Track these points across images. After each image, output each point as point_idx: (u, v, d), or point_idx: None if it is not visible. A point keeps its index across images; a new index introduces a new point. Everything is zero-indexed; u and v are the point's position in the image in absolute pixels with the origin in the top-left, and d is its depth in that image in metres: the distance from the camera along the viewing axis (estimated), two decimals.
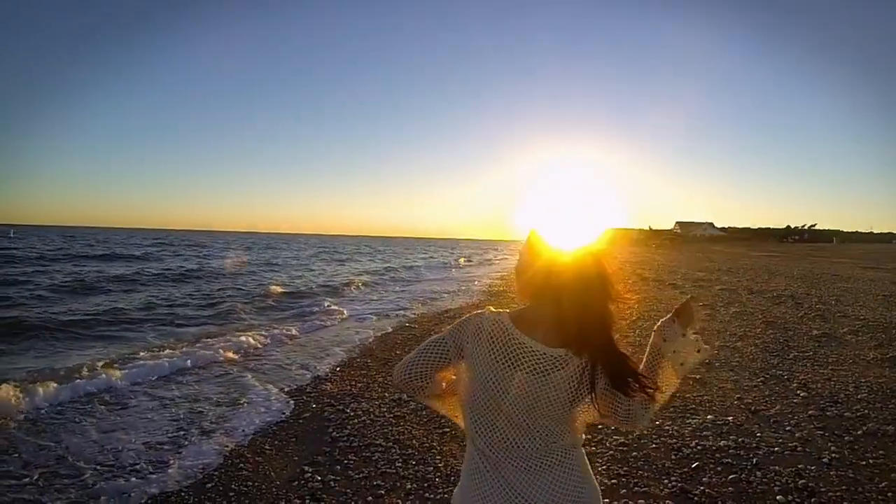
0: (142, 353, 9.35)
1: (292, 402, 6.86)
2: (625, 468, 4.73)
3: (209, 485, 4.70)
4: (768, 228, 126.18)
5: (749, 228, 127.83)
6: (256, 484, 4.68)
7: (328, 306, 16.13)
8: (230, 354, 9.45)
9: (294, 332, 11.91)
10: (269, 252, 58.95)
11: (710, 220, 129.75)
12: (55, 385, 7.13)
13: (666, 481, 4.51)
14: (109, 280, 22.09)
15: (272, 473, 4.88)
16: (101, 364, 8.43)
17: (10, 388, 6.76)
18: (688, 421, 5.82)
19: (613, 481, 4.51)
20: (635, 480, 4.51)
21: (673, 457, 4.96)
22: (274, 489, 4.58)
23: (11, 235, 77.17)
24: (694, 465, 4.77)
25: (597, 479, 4.34)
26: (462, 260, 51.14)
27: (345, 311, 15.19)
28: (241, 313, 14.84)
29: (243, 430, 5.94)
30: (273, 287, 20.76)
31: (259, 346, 10.32)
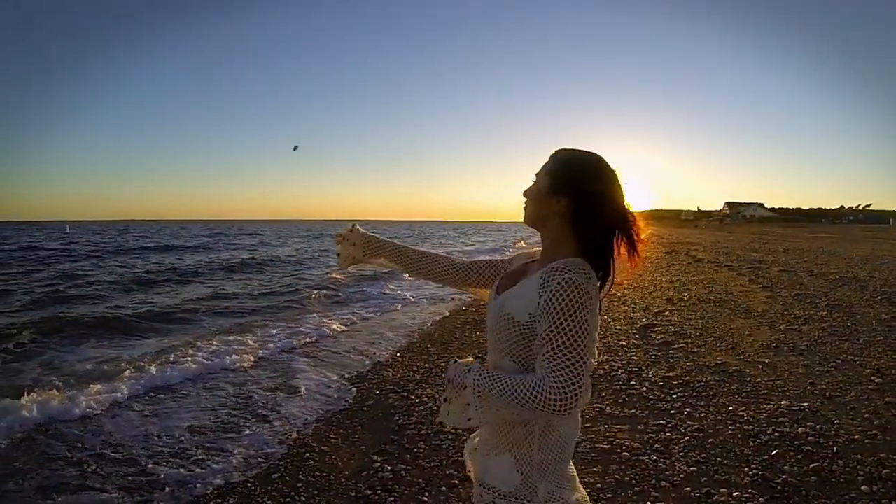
0: (199, 343, 9.40)
1: (354, 389, 6.80)
2: (703, 455, 4.55)
3: (275, 475, 4.65)
4: (820, 209, 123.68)
5: (800, 209, 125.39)
6: (325, 474, 4.60)
7: (387, 292, 16.14)
8: (290, 341, 9.53)
9: (353, 318, 11.95)
10: (321, 240, 59.43)
11: (759, 201, 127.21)
12: (118, 377, 7.24)
13: (746, 469, 4.32)
14: (172, 272, 22.54)
15: (340, 463, 4.80)
16: (159, 356, 8.55)
17: (71, 382, 6.85)
18: (762, 406, 5.60)
19: (693, 468, 4.34)
20: (715, 468, 4.33)
21: (751, 444, 4.76)
22: (343, 479, 4.50)
23: (67, 231, 78.81)
24: (773, 453, 4.56)
25: (677, 466, 4.24)
26: (522, 243, 50.17)
27: (409, 296, 15.18)
28: (304, 301, 14.89)
29: (305, 419, 5.91)
30: (334, 274, 20.77)
31: (323, 333, 10.35)
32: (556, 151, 1.81)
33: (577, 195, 1.70)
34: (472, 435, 1.94)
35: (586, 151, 1.78)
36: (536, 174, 1.82)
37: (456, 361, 1.70)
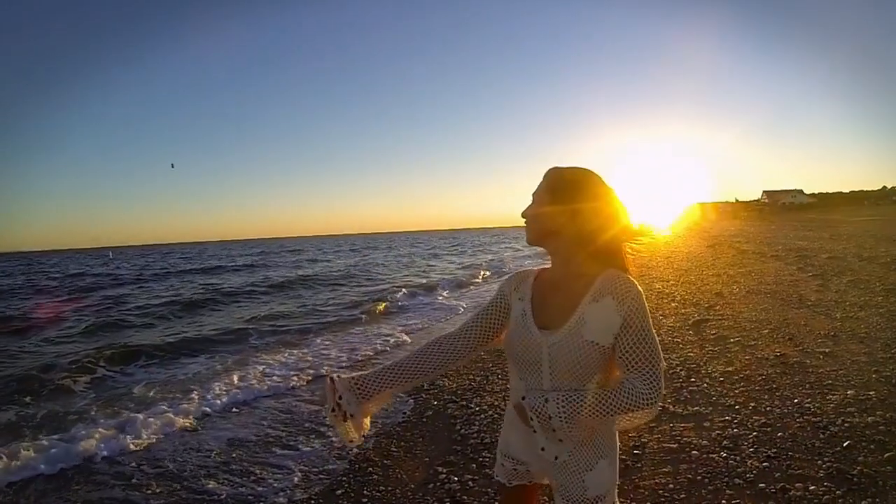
0: (252, 363, 9.51)
1: (411, 400, 6.79)
2: (773, 450, 4.43)
3: (339, 491, 4.63)
4: (861, 191, 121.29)
5: (841, 193, 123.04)
6: (389, 488, 4.58)
7: (442, 300, 16.24)
8: (343, 357, 9.70)
9: (404, 330, 12.08)
10: (364, 253, 59.94)
11: (798, 188, 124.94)
12: (176, 400, 7.38)
13: (819, 462, 4.20)
14: (227, 294, 22.78)
15: (404, 476, 4.78)
16: (215, 377, 8.66)
17: (130, 406, 6.97)
18: (828, 397, 5.47)
19: (765, 464, 4.23)
20: (787, 462, 4.22)
21: (821, 436, 4.64)
22: (409, 493, 4.47)
23: (110, 257, 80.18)
24: (846, 444, 4.43)
25: (748, 462, 4.15)
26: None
27: (461, 305, 15.22)
28: (357, 316, 14.97)
29: (364, 433, 5.89)
30: (397, 287, 21.42)
31: (376, 347, 10.45)
32: (551, 170, 1.91)
33: (577, 206, 1.81)
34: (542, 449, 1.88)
35: (579, 168, 1.90)
36: (534, 194, 1.92)
37: (525, 398, 1.83)
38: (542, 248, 1.93)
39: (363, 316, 14.74)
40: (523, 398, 1.82)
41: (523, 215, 1.93)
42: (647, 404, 1.77)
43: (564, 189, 1.84)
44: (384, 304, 16.11)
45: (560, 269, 1.89)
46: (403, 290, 19.86)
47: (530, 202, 1.93)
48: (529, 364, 1.85)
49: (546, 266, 2.00)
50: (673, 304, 11.23)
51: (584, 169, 1.89)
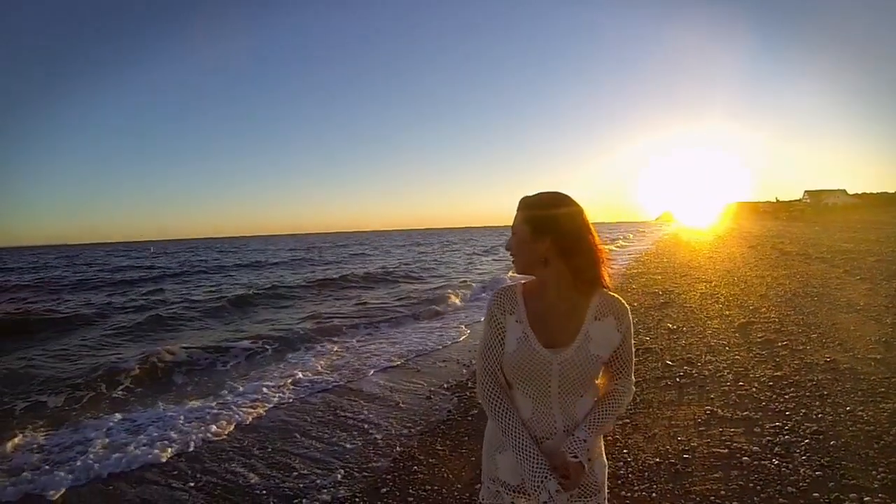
0: (297, 363, 9.56)
1: (455, 398, 6.81)
2: (826, 458, 4.34)
3: (383, 489, 4.64)
4: None
5: (886, 193, 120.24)
6: (436, 487, 4.58)
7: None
8: (390, 353, 9.79)
9: (455, 330, 12.01)
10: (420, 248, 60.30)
11: (842, 187, 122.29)
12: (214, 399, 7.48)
13: (874, 473, 4.09)
14: (294, 288, 22.86)
15: (451, 476, 4.77)
16: (253, 377, 8.77)
17: (172, 408, 7.10)
18: (881, 406, 5.32)
19: (818, 473, 4.14)
20: (841, 472, 4.13)
21: (875, 445, 4.51)
22: (455, 492, 4.46)
23: (151, 251, 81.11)
24: None
25: (801, 471, 4.08)
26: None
27: None
28: (407, 314, 14.99)
29: (409, 431, 5.92)
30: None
31: (421, 347, 10.38)
32: (524, 199, 2.00)
33: (558, 234, 1.92)
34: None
35: (550, 193, 1.99)
36: (513, 227, 2.02)
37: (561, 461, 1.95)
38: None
39: (408, 315, 14.75)
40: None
41: (507, 248, 2.04)
42: (629, 398, 2.11)
43: (542, 219, 1.94)
44: (429, 308, 16.04)
45: (553, 291, 1.98)
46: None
47: (511, 234, 2.03)
48: (537, 381, 1.97)
49: (526, 280, 2.08)
50: (717, 306, 11.07)
51: (556, 193, 1.99)
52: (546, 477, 1.87)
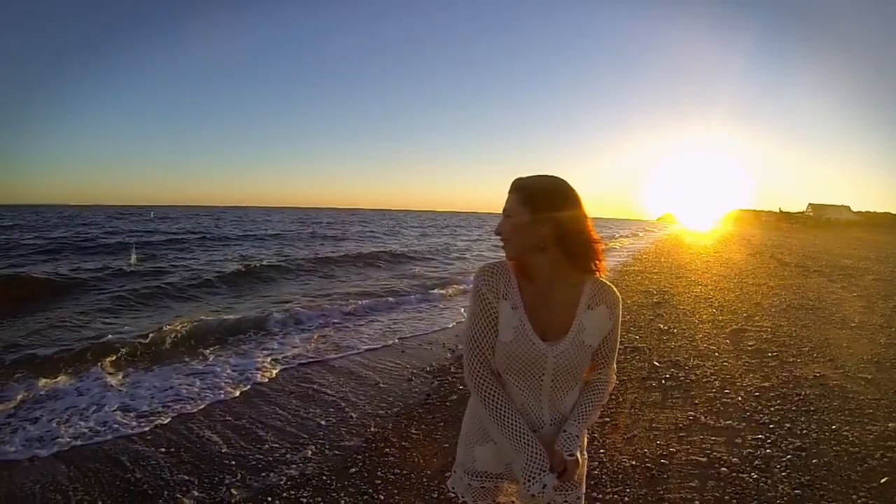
0: (278, 338, 9.45)
1: (436, 382, 6.71)
2: (807, 477, 4.21)
3: (352, 470, 4.55)
4: None
5: (889, 213, 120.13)
6: (405, 472, 4.47)
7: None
8: (378, 334, 9.64)
9: (444, 313, 11.95)
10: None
11: (846, 204, 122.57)
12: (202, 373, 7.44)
13: (854, 497, 3.97)
14: (294, 261, 22.23)
15: (421, 461, 4.66)
16: (244, 352, 8.67)
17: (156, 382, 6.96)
18: (867, 427, 5.19)
19: (797, 491, 4.02)
20: (821, 493, 4.00)
21: (858, 468, 4.39)
22: (425, 479, 4.35)
23: (152, 217, 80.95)
24: (883, 480, 4.18)
25: (779, 487, 3.96)
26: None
27: None
28: (395, 296, 14.58)
29: (384, 413, 5.81)
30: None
31: (410, 329, 10.24)
32: (520, 181, 1.90)
33: (561, 219, 1.83)
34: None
35: (549, 175, 1.90)
36: (506, 210, 1.90)
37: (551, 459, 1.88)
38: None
39: (396, 297, 14.47)
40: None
41: (499, 232, 1.91)
42: (611, 387, 2.09)
43: (543, 199, 1.85)
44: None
45: (546, 278, 1.90)
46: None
47: (503, 218, 1.92)
48: (530, 373, 1.90)
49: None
50: (711, 310, 10.97)
51: (554, 176, 1.90)
52: (544, 471, 1.80)
